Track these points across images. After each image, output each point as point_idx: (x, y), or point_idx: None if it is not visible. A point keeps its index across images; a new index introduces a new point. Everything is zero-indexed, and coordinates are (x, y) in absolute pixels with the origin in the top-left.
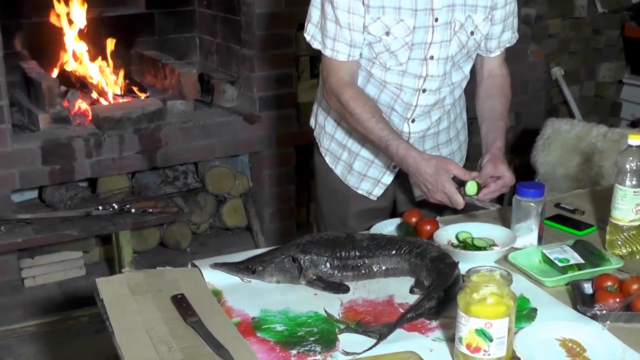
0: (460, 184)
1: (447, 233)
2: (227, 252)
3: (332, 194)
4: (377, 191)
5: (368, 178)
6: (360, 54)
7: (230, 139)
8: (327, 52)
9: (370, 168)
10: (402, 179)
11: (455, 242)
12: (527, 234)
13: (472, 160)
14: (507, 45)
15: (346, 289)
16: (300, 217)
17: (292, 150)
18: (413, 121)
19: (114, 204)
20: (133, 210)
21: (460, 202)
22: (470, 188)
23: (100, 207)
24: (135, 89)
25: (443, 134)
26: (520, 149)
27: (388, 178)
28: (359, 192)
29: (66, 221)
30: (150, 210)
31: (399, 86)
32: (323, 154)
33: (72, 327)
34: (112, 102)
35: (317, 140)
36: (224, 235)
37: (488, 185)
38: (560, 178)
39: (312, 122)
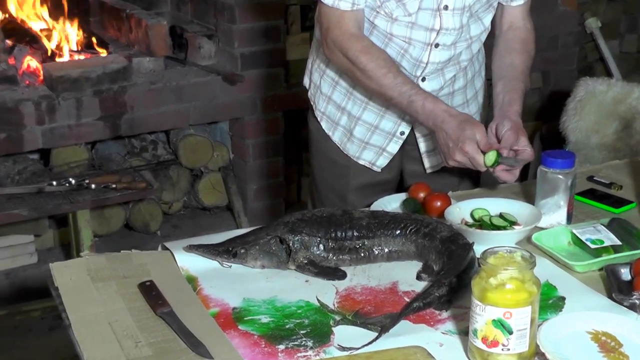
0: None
1: (460, 210)
2: (203, 235)
3: (329, 166)
4: (382, 161)
5: (371, 146)
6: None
7: (207, 102)
8: (326, 0)
9: (374, 134)
10: (411, 147)
11: (470, 220)
12: (554, 211)
13: None
14: None
15: (342, 275)
16: (290, 194)
17: (280, 115)
18: (423, 80)
19: (70, 179)
20: (93, 186)
21: (481, 162)
22: (490, 158)
23: (54, 183)
24: (94, 43)
25: (459, 95)
26: (547, 114)
27: (394, 146)
28: (360, 162)
29: (14, 199)
30: (114, 186)
31: (407, 40)
32: (318, 119)
33: (21, 323)
34: (67, 59)
35: (312, 103)
36: (201, 216)
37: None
38: (594, 147)
39: (305, 81)
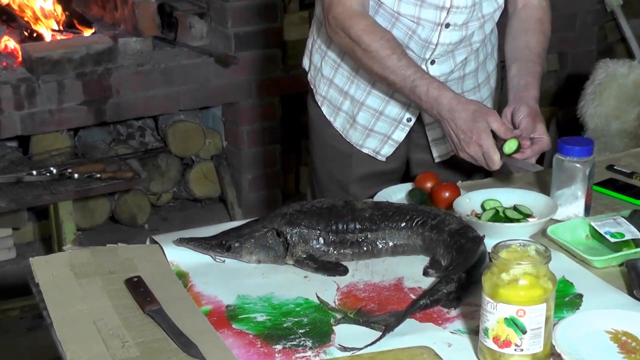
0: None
1: (470, 201)
2: (195, 228)
3: (330, 154)
4: (386, 150)
5: (375, 133)
6: None
7: (198, 86)
8: None
9: (378, 121)
10: (418, 135)
11: (481, 212)
12: (571, 203)
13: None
14: None
15: (344, 270)
16: (288, 185)
17: (277, 100)
18: (432, 63)
19: (51, 168)
20: (76, 175)
21: (496, 160)
22: (510, 146)
23: (34, 172)
24: (77, 22)
25: (470, 79)
26: (564, 99)
27: (400, 134)
28: (364, 151)
29: None
30: (98, 175)
31: (416, 19)
32: (319, 103)
33: None
34: (48, 39)
35: (312, 86)
36: (192, 208)
37: (522, 149)
38: (614, 134)
39: (305, 63)
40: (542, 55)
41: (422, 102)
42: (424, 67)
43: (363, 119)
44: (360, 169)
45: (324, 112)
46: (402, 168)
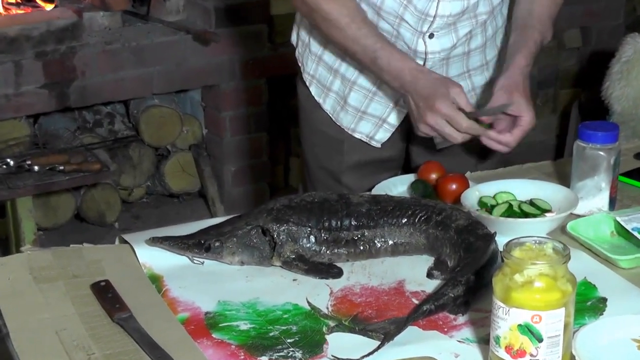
0: None
1: (480, 194)
2: (171, 226)
3: (319, 140)
4: (381, 135)
5: (368, 116)
6: None
7: (174, 67)
8: None
9: (372, 102)
10: None
11: (492, 206)
12: (594, 195)
13: None
14: None
15: (338, 273)
16: (276, 177)
17: (264, 82)
18: (431, 36)
19: (8, 160)
20: (36, 168)
21: (462, 124)
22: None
23: None
24: None
25: (476, 55)
26: (587, 79)
27: (396, 117)
28: (356, 136)
29: None
30: (61, 168)
31: None
32: (307, 83)
33: None
34: (2, 13)
35: (300, 63)
36: (167, 204)
37: (498, 130)
38: None
39: (293, 38)
40: (544, 22)
41: (383, 74)
42: (420, 42)
43: (355, 100)
44: (353, 157)
45: (313, 93)
46: (400, 156)
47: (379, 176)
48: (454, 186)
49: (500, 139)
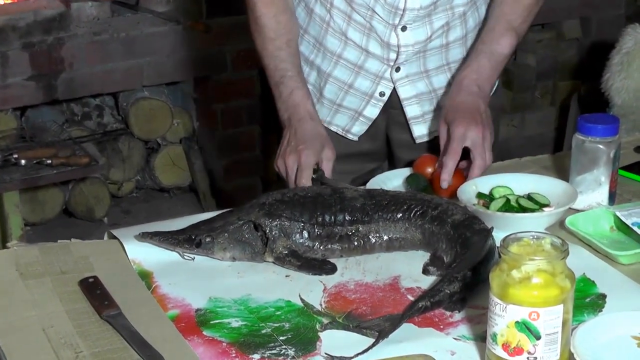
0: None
1: (477, 188)
2: (161, 221)
3: None
4: (358, 128)
5: (344, 109)
6: None
7: (164, 58)
8: None
9: (347, 95)
10: (396, 111)
11: (489, 200)
12: (593, 190)
13: (517, 91)
14: None
15: (331, 269)
16: (269, 171)
17: (256, 73)
18: (404, 29)
19: None
20: (23, 161)
21: (303, 181)
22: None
23: None
24: None
25: (456, 48)
26: (587, 71)
27: (372, 110)
28: (332, 129)
29: None
30: (49, 162)
31: None
32: None
33: None
34: None
35: None
36: (157, 199)
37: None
38: None
39: None
40: (513, 19)
41: (279, 101)
42: (394, 34)
43: (330, 92)
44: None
45: None
46: (381, 149)
47: (359, 169)
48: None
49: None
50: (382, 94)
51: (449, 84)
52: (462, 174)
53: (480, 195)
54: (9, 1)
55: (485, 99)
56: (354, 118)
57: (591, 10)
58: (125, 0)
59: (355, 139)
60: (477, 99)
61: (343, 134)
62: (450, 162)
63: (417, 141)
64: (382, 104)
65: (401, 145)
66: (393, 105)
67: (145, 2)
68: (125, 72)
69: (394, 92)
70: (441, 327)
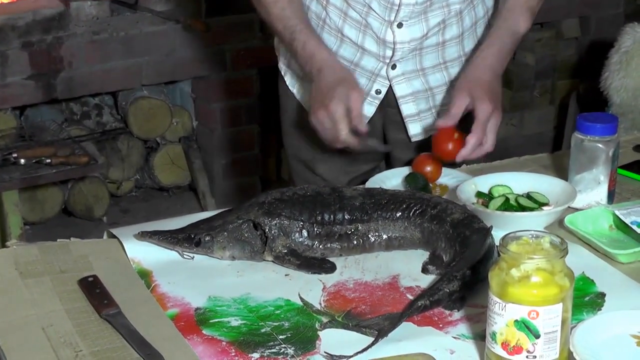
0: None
1: (476, 187)
2: (160, 220)
3: (294, 130)
4: None
5: None
6: None
7: (164, 57)
8: None
9: None
10: (393, 109)
11: (488, 199)
12: (592, 188)
13: (516, 90)
14: None
15: (331, 268)
16: (268, 170)
17: (255, 73)
18: (400, 26)
19: None
20: (22, 161)
21: (342, 133)
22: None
23: None
24: None
25: (452, 46)
26: (586, 70)
27: (369, 108)
28: None
29: None
30: (48, 161)
31: None
32: (282, 72)
33: None
34: None
35: (277, 53)
36: (157, 198)
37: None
38: None
39: None
40: (522, 8)
41: (297, 57)
42: (389, 30)
43: None
44: (326, 148)
45: (287, 83)
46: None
47: (357, 168)
48: (450, 146)
49: (464, 155)
50: (378, 92)
51: (446, 83)
52: (462, 140)
53: (479, 194)
54: (8, 0)
55: (501, 79)
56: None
57: (590, 9)
58: None
59: None
60: (499, 82)
61: None
62: (474, 141)
63: (413, 139)
64: (378, 102)
65: (398, 145)
66: (389, 104)
67: (145, 2)
68: (124, 71)
69: (390, 90)
70: (440, 326)
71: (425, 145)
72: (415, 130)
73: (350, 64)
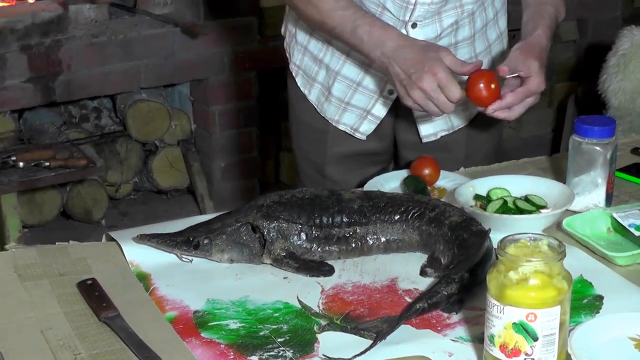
0: None
1: (474, 190)
2: (158, 223)
3: (304, 131)
4: (366, 127)
5: (352, 108)
6: None
7: (162, 60)
8: None
9: (355, 93)
10: (404, 110)
11: (486, 202)
12: (590, 191)
13: None
14: None
15: (329, 270)
16: (266, 173)
17: (254, 75)
18: (414, 26)
19: None
20: (21, 164)
21: (456, 92)
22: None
23: None
24: None
25: (464, 47)
26: (584, 72)
27: (381, 108)
28: (340, 127)
29: None
30: (47, 164)
31: None
32: (294, 74)
33: None
34: None
35: (287, 54)
36: (155, 201)
37: (503, 93)
38: None
39: (283, 29)
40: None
41: (363, 45)
42: (404, 30)
43: (339, 90)
44: (337, 148)
45: (299, 84)
46: (388, 149)
47: (366, 170)
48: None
49: (501, 104)
50: (390, 92)
51: None
52: (497, 92)
53: (477, 197)
54: (7, 4)
55: None
56: (362, 117)
57: (588, 12)
58: (123, 2)
59: (363, 137)
60: (545, 53)
61: (351, 133)
62: (511, 100)
63: (424, 140)
64: (390, 102)
65: (408, 146)
66: (401, 104)
67: (143, 5)
68: (123, 74)
69: None
70: (439, 328)
71: (436, 146)
72: (426, 131)
73: (363, 64)
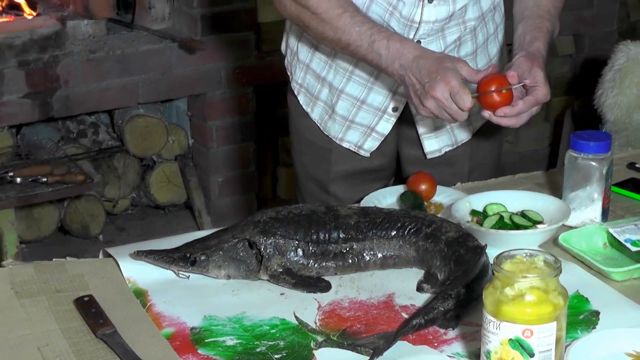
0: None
1: (470, 205)
2: (156, 239)
3: (307, 149)
4: (370, 144)
5: (356, 125)
6: None
7: (160, 76)
8: None
9: (360, 111)
10: (408, 126)
11: (482, 217)
12: (586, 206)
13: None
14: None
15: (326, 286)
16: (264, 188)
17: (251, 91)
18: (418, 43)
19: None
20: (19, 179)
21: (467, 100)
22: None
23: None
24: (19, 3)
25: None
26: (580, 87)
27: (385, 125)
28: (344, 145)
29: None
30: (44, 179)
31: None
32: (295, 92)
33: None
34: None
35: (289, 72)
36: (153, 216)
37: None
38: (636, 127)
39: (282, 47)
40: (552, 13)
41: (381, 59)
42: None
43: (342, 108)
44: (340, 166)
45: (301, 102)
46: (391, 165)
47: (369, 186)
48: (496, 98)
49: (513, 111)
50: (395, 109)
51: None
52: (509, 97)
53: (474, 212)
54: (5, 20)
55: None
56: (366, 134)
57: (584, 26)
58: (121, 18)
59: (367, 155)
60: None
61: (355, 150)
62: (523, 107)
63: (429, 157)
64: (394, 119)
65: (412, 162)
66: (405, 121)
67: (141, 20)
68: (120, 90)
69: (407, 106)
70: (435, 344)
71: (440, 162)
72: (431, 147)
73: (367, 81)
